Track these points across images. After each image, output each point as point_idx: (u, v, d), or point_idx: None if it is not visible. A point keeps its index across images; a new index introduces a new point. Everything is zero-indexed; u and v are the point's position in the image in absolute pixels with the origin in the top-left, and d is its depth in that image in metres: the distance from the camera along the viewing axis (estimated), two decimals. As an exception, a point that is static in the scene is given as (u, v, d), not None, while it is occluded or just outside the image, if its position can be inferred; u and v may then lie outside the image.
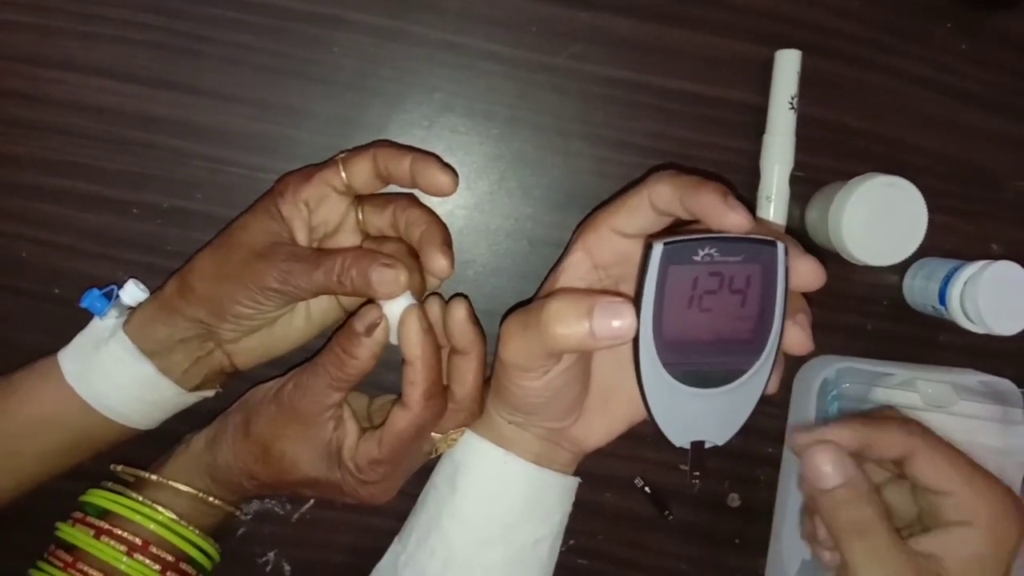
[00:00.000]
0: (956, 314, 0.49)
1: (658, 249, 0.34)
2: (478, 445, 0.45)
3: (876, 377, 0.50)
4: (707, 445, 0.38)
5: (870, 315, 0.54)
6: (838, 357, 0.52)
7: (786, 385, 0.54)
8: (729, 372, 0.36)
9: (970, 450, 0.48)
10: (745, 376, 0.36)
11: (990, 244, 0.54)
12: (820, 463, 0.40)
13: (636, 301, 0.35)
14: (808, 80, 0.51)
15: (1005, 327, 0.49)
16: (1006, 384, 0.51)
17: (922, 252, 0.50)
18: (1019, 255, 0.50)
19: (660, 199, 0.37)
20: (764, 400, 0.54)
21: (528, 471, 0.44)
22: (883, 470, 0.44)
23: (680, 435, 0.37)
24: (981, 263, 0.48)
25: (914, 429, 0.42)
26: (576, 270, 0.42)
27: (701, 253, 0.34)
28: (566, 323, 0.36)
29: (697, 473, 0.38)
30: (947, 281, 0.49)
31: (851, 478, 0.40)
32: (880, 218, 0.48)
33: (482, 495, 0.45)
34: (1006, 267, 0.48)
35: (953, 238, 0.53)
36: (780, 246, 0.34)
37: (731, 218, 0.34)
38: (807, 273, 0.36)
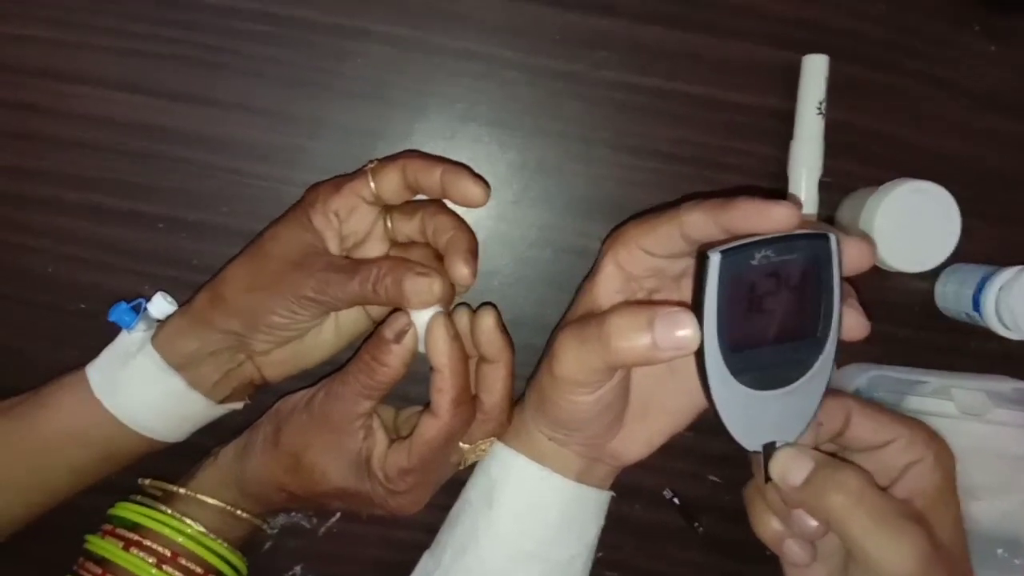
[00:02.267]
0: (991, 320, 0.48)
1: (715, 258, 0.33)
2: (516, 461, 0.44)
3: (909, 385, 0.50)
4: (779, 445, 0.37)
5: (902, 322, 0.53)
6: (870, 365, 0.51)
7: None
8: (795, 370, 0.36)
9: (1004, 459, 0.47)
10: (811, 371, 0.36)
11: (1023, 250, 0.53)
12: (783, 470, 0.38)
13: (696, 310, 0.34)
14: (834, 85, 0.50)
15: (1041, 333, 0.48)
16: None
17: (954, 258, 0.49)
18: (1053, 259, 0.49)
19: (694, 229, 0.37)
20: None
21: (566, 487, 0.44)
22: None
23: (751, 439, 0.37)
24: (1016, 268, 0.48)
25: (843, 395, 0.41)
26: (611, 282, 0.42)
27: (758, 256, 0.34)
28: (628, 337, 0.36)
29: (767, 476, 0.38)
30: (981, 287, 0.49)
31: (817, 460, 0.38)
32: (912, 223, 0.47)
33: (520, 512, 0.44)
34: (1042, 272, 0.47)
35: (984, 244, 0.52)
36: (832, 237, 0.34)
37: (777, 211, 0.34)
38: (858, 256, 0.36)
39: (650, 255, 0.40)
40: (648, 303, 0.38)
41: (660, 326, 0.35)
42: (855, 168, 0.52)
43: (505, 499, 0.44)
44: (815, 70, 0.50)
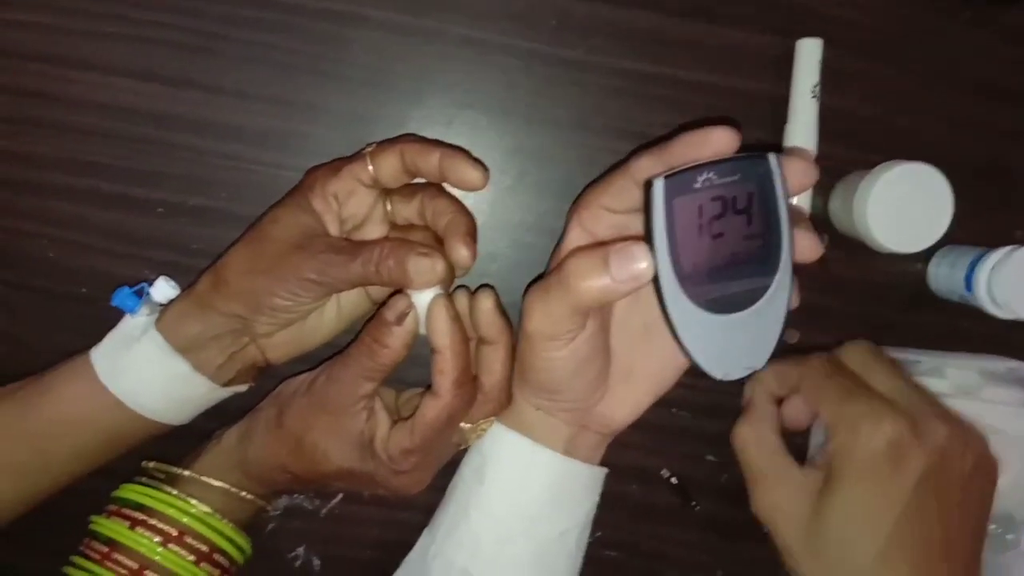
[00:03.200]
0: (983, 300, 0.49)
1: (659, 184, 0.34)
2: (505, 436, 0.45)
3: (902, 364, 0.50)
4: (748, 372, 0.38)
5: (895, 305, 0.54)
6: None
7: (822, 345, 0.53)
8: (752, 292, 0.36)
9: (996, 437, 0.48)
10: (768, 293, 0.36)
11: (1013, 231, 0.54)
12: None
13: (648, 240, 0.35)
14: (828, 71, 0.51)
15: (1033, 312, 0.48)
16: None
17: (946, 241, 0.49)
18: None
19: (644, 173, 0.38)
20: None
21: (555, 462, 0.45)
22: None
23: (718, 366, 0.37)
24: (1008, 248, 0.48)
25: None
26: (576, 244, 0.43)
27: (700, 179, 0.34)
28: (587, 276, 0.37)
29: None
30: (973, 267, 0.49)
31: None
32: (906, 204, 0.48)
33: (509, 487, 0.45)
34: (1034, 252, 0.48)
35: (975, 227, 0.53)
36: (772, 157, 0.35)
37: (715, 135, 0.35)
38: (801, 172, 0.37)
39: (611, 212, 0.41)
40: (601, 243, 0.39)
41: (615, 260, 0.36)
42: (849, 153, 0.52)
43: (495, 475, 0.45)
44: (809, 54, 0.51)
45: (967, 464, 0.41)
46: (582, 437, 0.45)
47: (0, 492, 0.45)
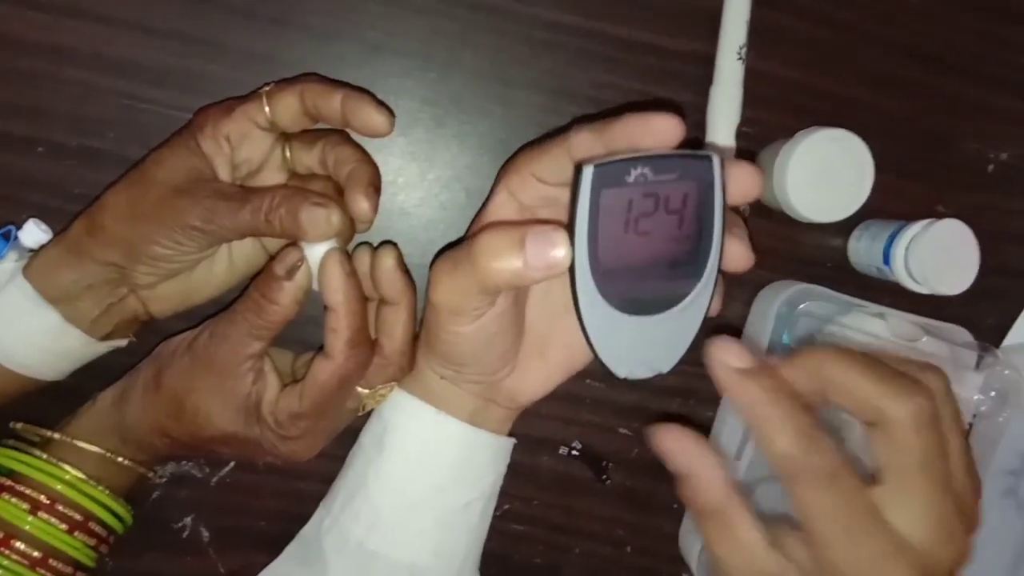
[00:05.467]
0: (900, 274, 0.49)
1: (588, 171, 0.32)
2: (408, 403, 0.43)
3: (842, 306, 0.49)
4: (653, 374, 0.36)
5: (815, 277, 0.53)
6: (795, 282, 0.51)
7: (740, 317, 0.53)
8: (670, 296, 0.34)
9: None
10: (687, 299, 0.34)
11: (936, 206, 0.54)
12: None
13: (570, 228, 0.33)
14: (756, 33, 0.49)
15: (949, 286, 0.48)
16: (960, 331, 0.51)
17: (868, 214, 0.49)
18: (964, 217, 0.49)
19: (581, 150, 0.35)
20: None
21: (460, 432, 0.43)
22: None
23: (623, 365, 0.36)
24: (925, 222, 0.48)
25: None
26: (502, 210, 0.40)
27: (634, 173, 0.32)
28: (498, 256, 0.34)
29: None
30: (892, 240, 0.49)
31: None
32: (826, 172, 0.47)
33: (411, 456, 0.43)
34: (951, 225, 0.47)
35: (899, 200, 0.52)
36: (715, 159, 0.33)
37: (657, 123, 0.32)
38: (746, 182, 0.34)
39: (542, 182, 0.38)
40: (520, 223, 0.36)
41: (532, 245, 0.33)
42: (774, 118, 0.51)
43: (396, 444, 0.42)
44: (737, 14, 0.49)
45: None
46: (488, 410, 0.44)
47: None
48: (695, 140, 0.51)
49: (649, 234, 0.33)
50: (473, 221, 0.43)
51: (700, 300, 0.35)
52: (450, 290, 0.36)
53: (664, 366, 0.36)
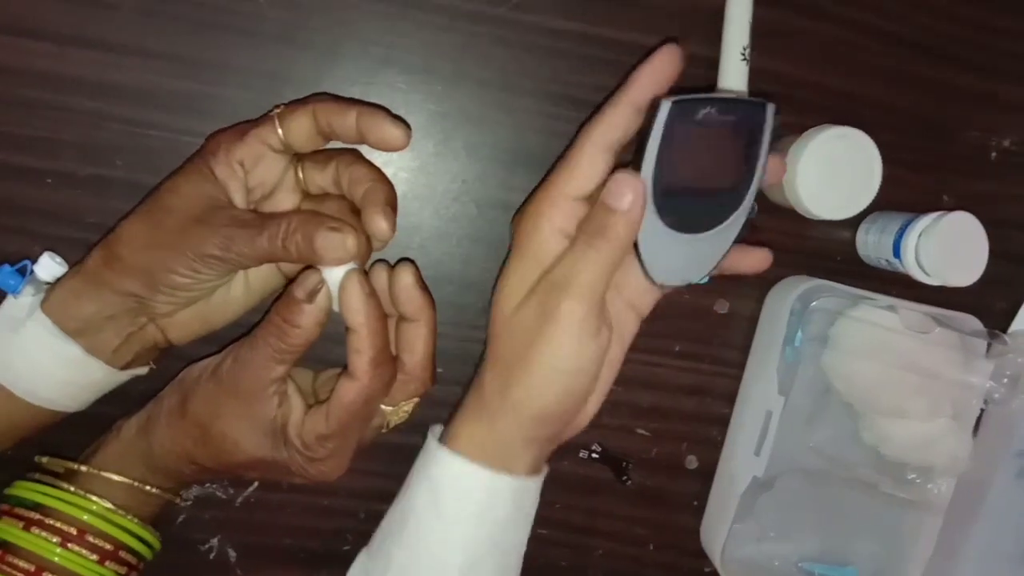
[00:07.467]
0: (910, 267, 0.49)
1: (665, 106, 0.36)
2: (459, 466, 0.40)
3: (853, 299, 0.50)
4: (684, 283, 0.41)
5: (824, 271, 0.53)
6: (807, 278, 0.52)
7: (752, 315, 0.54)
8: (712, 219, 0.39)
9: (933, 382, 0.48)
10: (726, 223, 0.39)
11: (941, 196, 0.54)
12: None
13: (639, 152, 0.37)
14: (759, 32, 0.50)
15: (959, 278, 0.49)
16: (970, 319, 0.51)
17: (875, 206, 0.49)
18: (970, 207, 0.50)
19: (611, 131, 0.38)
20: (721, 362, 0.54)
21: (515, 485, 0.41)
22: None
23: (663, 274, 0.40)
24: (935, 214, 0.48)
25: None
26: (557, 252, 0.40)
27: (702, 112, 0.37)
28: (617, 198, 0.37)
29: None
30: (901, 234, 0.49)
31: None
32: (834, 170, 0.47)
33: (472, 520, 0.41)
34: (961, 218, 0.48)
35: (904, 192, 0.53)
36: (770, 107, 0.38)
37: (664, 59, 0.37)
38: (773, 172, 0.40)
39: (582, 200, 0.40)
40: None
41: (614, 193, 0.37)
42: (780, 115, 0.51)
43: (457, 510, 0.40)
44: (739, 14, 0.49)
45: None
46: (543, 452, 0.43)
47: None
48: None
49: (705, 164, 0.38)
50: (498, 281, 0.42)
51: (735, 224, 0.40)
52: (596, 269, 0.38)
53: (694, 277, 0.41)
